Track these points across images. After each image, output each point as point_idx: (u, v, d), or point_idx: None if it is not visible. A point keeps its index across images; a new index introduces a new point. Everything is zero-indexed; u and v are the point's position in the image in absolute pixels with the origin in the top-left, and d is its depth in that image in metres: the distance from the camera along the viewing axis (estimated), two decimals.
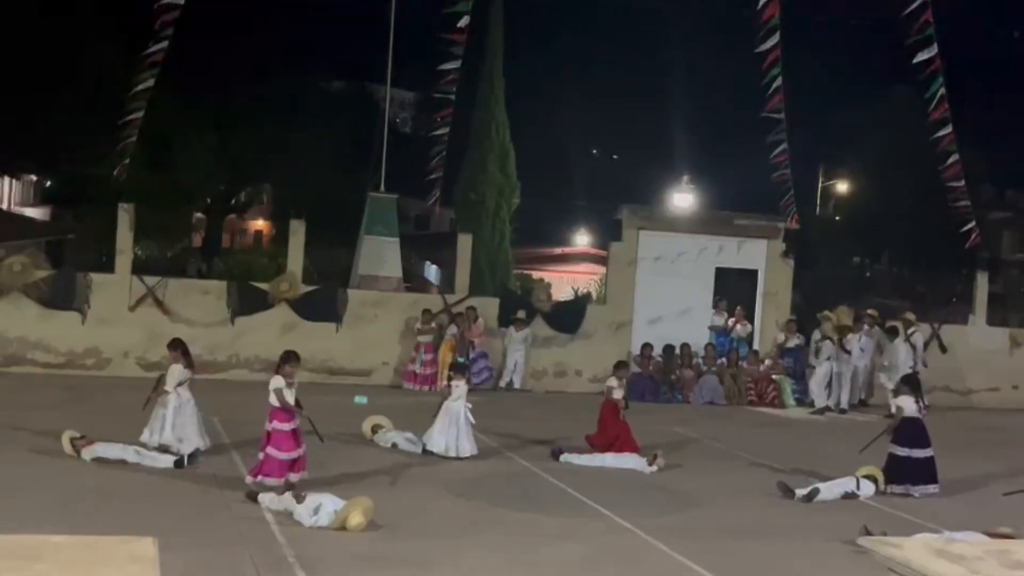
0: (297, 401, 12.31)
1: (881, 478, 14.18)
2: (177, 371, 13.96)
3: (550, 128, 51.81)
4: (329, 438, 13.45)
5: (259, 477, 11.98)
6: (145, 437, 13.67)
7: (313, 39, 47.36)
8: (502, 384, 22.43)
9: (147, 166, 31.31)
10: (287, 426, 12.16)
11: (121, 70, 24.58)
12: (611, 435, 15.41)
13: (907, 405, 14.52)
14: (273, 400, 12.21)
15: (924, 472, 14.22)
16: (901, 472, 14.16)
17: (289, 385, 12.26)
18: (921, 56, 22.15)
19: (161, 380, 13.95)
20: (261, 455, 12.15)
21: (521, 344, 22.45)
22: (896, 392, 15.20)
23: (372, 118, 37.03)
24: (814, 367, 22.58)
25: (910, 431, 14.41)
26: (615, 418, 15.53)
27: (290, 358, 12.47)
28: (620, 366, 16.21)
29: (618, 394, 15.57)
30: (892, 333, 22.75)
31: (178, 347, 14.13)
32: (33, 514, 10.46)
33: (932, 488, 14.16)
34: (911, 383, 15.32)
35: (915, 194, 43.44)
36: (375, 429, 15.68)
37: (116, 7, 35.40)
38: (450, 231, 35.41)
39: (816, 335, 22.87)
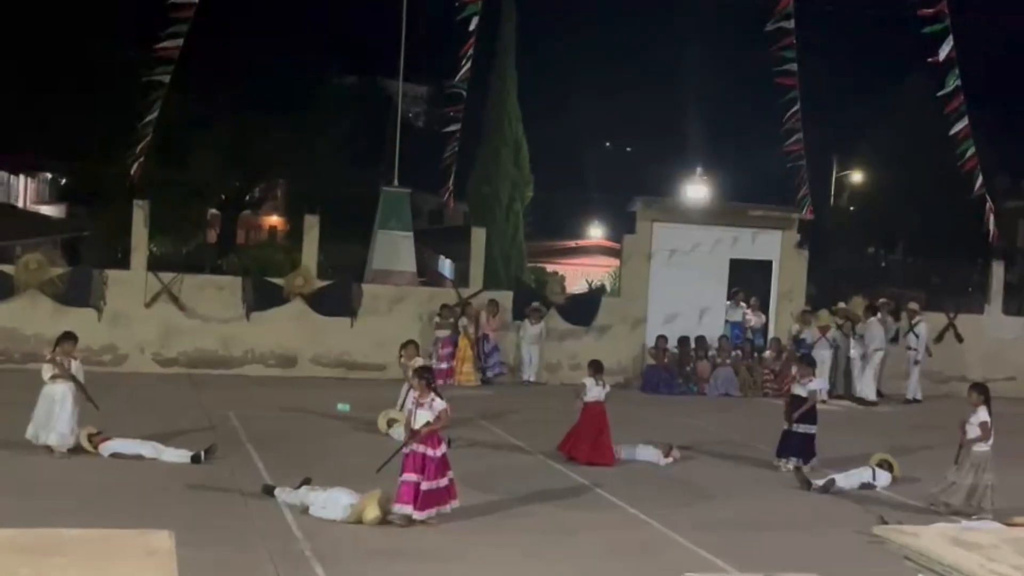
0: (444, 419, 11.08)
1: (896, 465, 14.22)
2: (78, 365, 13.72)
3: (563, 121, 51.73)
4: (339, 433, 13.49)
5: (424, 511, 10.86)
6: (63, 439, 13.28)
7: (326, 34, 47.31)
8: (524, 378, 22.37)
9: (161, 163, 31.34)
10: (432, 452, 10.95)
11: (136, 68, 24.62)
12: (588, 440, 14.76)
13: (823, 386, 15.30)
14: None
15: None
16: (814, 448, 14.74)
17: (419, 404, 11.10)
18: (938, 50, 21.98)
19: (74, 378, 13.51)
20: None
21: (536, 337, 22.43)
22: (804, 375, 15.16)
23: (385, 113, 37.02)
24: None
25: (815, 410, 14.94)
26: (590, 421, 14.84)
27: (415, 374, 11.81)
28: (596, 365, 15.26)
29: (596, 394, 14.87)
30: (869, 312, 22.64)
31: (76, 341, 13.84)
32: (50, 509, 10.51)
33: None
34: (813, 363, 15.87)
35: (930, 184, 43.24)
36: (391, 423, 15.71)
37: (131, 5, 35.47)
38: (464, 225, 35.39)
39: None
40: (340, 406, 17.10)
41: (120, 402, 16.93)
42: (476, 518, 11.40)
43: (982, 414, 12.66)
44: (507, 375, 22.37)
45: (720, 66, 51.57)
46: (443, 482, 10.95)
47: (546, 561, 10.09)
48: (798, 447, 14.69)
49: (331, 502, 11.02)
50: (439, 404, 11.00)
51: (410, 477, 10.81)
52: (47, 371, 13.41)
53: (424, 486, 10.79)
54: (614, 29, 57.31)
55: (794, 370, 15.84)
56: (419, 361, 15.13)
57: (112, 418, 14.31)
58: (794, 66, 22.89)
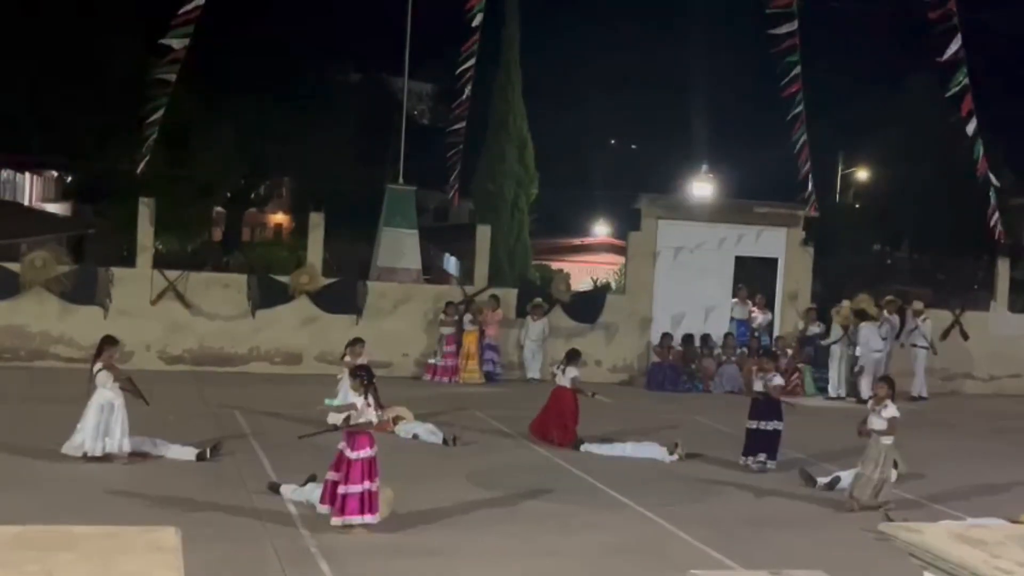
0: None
1: (900, 462, 14.18)
2: None
3: (568, 118, 51.70)
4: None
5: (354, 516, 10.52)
6: (123, 445, 13.02)
7: (331, 32, 47.35)
8: (528, 375, 22.32)
9: (167, 161, 31.39)
10: (350, 453, 10.63)
11: (142, 66, 24.68)
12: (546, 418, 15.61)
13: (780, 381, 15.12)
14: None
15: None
16: (778, 445, 14.63)
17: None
18: (945, 49, 21.84)
19: (130, 379, 13.41)
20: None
21: (539, 334, 22.40)
22: (765, 369, 15.03)
23: (390, 110, 37.07)
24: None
25: (779, 406, 14.82)
26: (550, 401, 15.67)
27: (351, 374, 11.55)
28: (572, 355, 16.02)
29: (564, 381, 15.66)
30: (860, 317, 22.58)
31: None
32: (56, 506, 10.55)
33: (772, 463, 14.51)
34: (775, 357, 15.90)
35: (935, 181, 43.17)
36: (396, 420, 15.73)
37: (138, 3, 35.54)
38: (469, 222, 35.41)
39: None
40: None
41: (125, 399, 16.95)
42: (481, 514, 11.42)
43: (891, 408, 12.59)
44: (504, 372, 22.25)
45: (726, 63, 51.48)
46: (354, 489, 10.44)
47: (550, 557, 10.10)
48: (765, 443, 14.50)
49: None
50: (359, 403, 10.70)
51: (330, 475, 10.63)
52: (107, 378, 13.05)
53: (340, 489, 10.45)
54: (619, 26, 57.16)
55: (754, 368, 15.66)
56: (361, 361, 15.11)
57: None
58: (798, 69, 22.80)
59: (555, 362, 22.64)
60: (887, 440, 12.54)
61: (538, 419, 15.78)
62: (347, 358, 15.68)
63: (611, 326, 23.17)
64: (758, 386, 14.84)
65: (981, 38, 22.17)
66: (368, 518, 10.45)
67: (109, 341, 13.48)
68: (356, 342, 15.98)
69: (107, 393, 12.99)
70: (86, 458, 12.76)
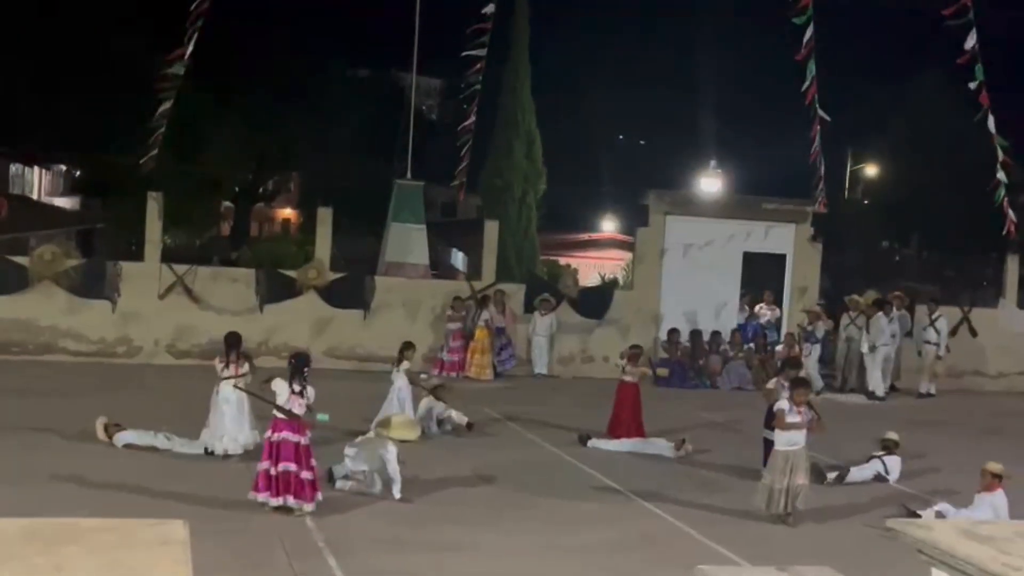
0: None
1: (898, 441, 14.26)
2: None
3: (576, 113, 51.70)
4: (355, 424, 13.48)
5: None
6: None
7: (339, 27, 47.50)
8: (536, 371, 22.32)
9: (176, 155, 31.42)
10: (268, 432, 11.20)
11: (150, 60, 24.70)
12: (624, 418, 15.57)
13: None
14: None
15: None
16: None
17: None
18: (964, 45, 21.69)
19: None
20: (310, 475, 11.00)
21: (546, 329, 22.40)
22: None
23: (398, 105, 37.06)
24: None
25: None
26: (626, 401, 15.68)
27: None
28: (634, 349, 16.17)
29: (630, 377, 15.74)
30: (876, 307, 22.51)
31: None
32: (64, 499, 10.57)
33: None
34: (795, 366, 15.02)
35: (944, 177, 43.09)
36: (437, 392, 15.74)
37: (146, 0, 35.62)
38: (477, 218, 35.40)
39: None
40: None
41: (134, 394, 17.02)
42: (487, 510, 11.43)
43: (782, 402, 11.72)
44: (515, 365, 22.27)
45: (734, 59, 51.47)
46: (259, 465, 10.96)
47: (557, 553, 10.10)
48: None
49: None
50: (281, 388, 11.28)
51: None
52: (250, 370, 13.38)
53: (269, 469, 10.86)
54: (628, 22, 57.21)
55: (772, 382, 14.73)
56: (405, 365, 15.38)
57: (126, 410, 14.38)
58: (814, 71, 22.65)
59: (563, 358, 22.85)
60: (797, 447, 11.52)
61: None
62: (404, 363, 15.56)
63: (618, 322, 23.14)
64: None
65: (987, 32, 21.99)
66: (263, 496, 10.76)
67: (239, 338, 13.65)
68: (409, 346, 15.81)
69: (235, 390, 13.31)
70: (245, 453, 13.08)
